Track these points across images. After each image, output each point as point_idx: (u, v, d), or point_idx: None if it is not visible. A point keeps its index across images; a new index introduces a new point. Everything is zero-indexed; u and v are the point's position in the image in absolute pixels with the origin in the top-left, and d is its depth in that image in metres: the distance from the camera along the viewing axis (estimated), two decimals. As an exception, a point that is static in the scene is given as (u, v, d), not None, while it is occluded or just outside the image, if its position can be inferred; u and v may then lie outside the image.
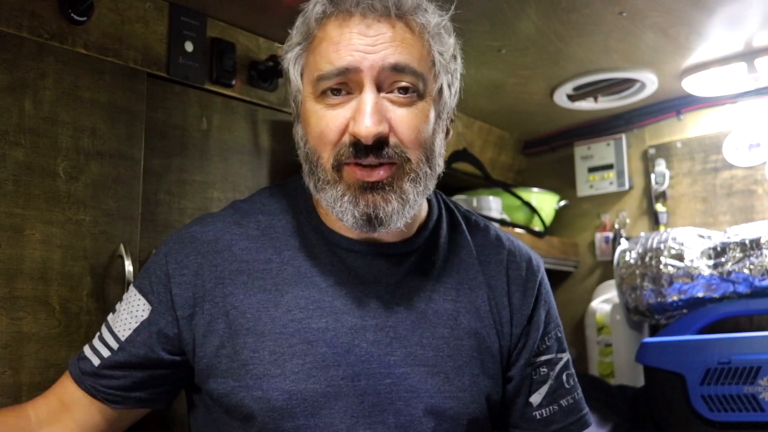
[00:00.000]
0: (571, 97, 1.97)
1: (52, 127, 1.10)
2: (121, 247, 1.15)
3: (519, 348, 1.00)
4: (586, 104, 2.00)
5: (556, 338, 1.04)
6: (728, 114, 2.00)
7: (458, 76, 0.98)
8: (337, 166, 0.88)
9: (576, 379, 1.04)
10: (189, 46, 1.31)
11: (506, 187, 2.12)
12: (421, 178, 0.91)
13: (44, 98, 1.10)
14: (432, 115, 0.91)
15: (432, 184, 0.95)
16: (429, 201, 1.04)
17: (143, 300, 0.95)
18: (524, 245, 1.09)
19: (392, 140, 0.87)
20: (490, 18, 1.46)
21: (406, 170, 0.89)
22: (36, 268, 1.06)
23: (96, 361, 0.95)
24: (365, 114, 0.85)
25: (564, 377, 1.02)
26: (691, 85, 1.86)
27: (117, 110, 1.19)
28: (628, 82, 1.90)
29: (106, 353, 0.95)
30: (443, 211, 1.05)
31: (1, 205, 1.03)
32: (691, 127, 2.08)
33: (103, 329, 0.98)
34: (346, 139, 0.87)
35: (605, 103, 2.02)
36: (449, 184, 2.15)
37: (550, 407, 0.99)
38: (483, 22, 1.48)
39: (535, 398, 0.99)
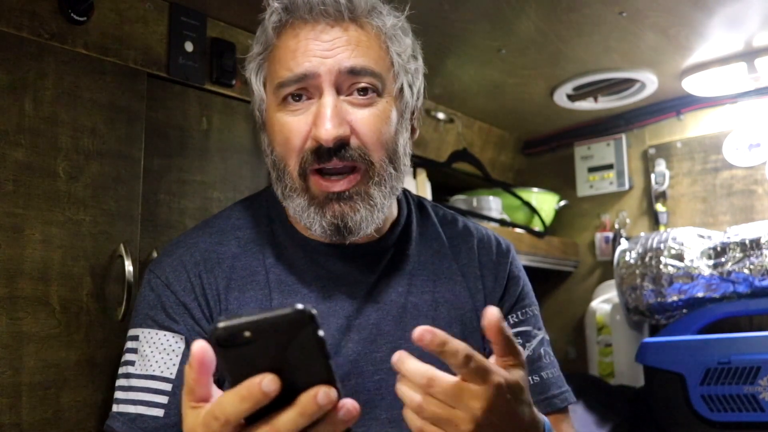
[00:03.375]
0: (571, 97, 1.97)
1: (52, 127, 1.10)
2: (121, 247, 1.15)
3: None
4: (586, 104, 2.00)
5: (533, 314, 1.05)
6: (728, 114, 2.00)
7: (419, 75, 0.99)
8: (303, 174, 0.89)
9: (555, 360, 1.04)
10: (189, 46, 1.31)
11: (506, 187, 2.12)
12: (386, 180, 0.91)
13: (44, 98, 1.10)
14: (394, 115, 0.92)
15: (399, 184, 0.95)
16: (398, 198, 1.04)
17: (170, 333, 0.90)
18: (492, 231, 1.11)
19: (354, 142, 0.88)
20: (490, 18, 1.46)
21: (371, 174, 0.90)
22: (36, 268, 1.06)
23: (158, 412, 0.87)
24: (325, 118, 0.86)
25: (542, 351, 1.02)
26: (691, 85, 1.86)
27: (117, 110, 1.19)
28: (628, 82, 1.90)
29: (163, 399, 0.87)
30: (413, 207, 1.06)
31: (1, 205, 1.03)
32: (691, 127, 2.08)
33: (136, 382, 0.89)
34: (309, 144, 0.88)
35: (605, 103, 2.02)
36: (449, 184, 2.15)
37: (529, 378, 0.98)
38: (483, 22, 1.48)
39: None
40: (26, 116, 1.07)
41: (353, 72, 0.88)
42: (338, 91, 0.88)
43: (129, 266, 1.14)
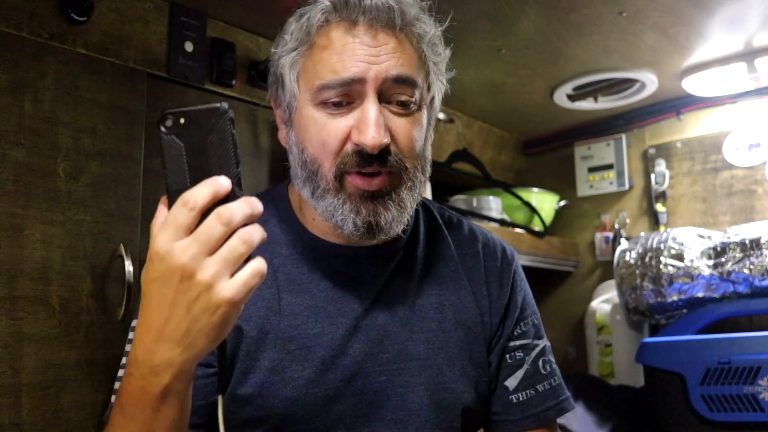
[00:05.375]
0: (571, 97, 1.97)
1: (52, 127, 1.10)
2: (121, 247, 1.15)
3: (498, 336, 1.02)
4: (586, 104, 2.00)
5: (533, 324, 1.05)
6: (728, 114, 2.00)
7: (445, 82, 0.99)
8: (339, 175, 0.89)
9: (554, 367, 1.05)
10: (189, 46, 1.31)
11: (506, 187, 2.12)
12: (416, 186, 0.92)
13: (44, 98, 1.10)
14: (425, 123, 0.94)
15: (424, 190, 0.97)
16: None
17: None
18: (497, 237, 1.11)
19: (393, 149, 0.88)
20: (490, 18, 1.46)
21: (404, 179, 0.91)
22: (36, 268, 1.06)
23: None
24: (370, 124, 0.85)
25: (540, 363, 1.03)
26: (691, 85, 1.86)
27: (117, 110, 1.19)
28: (628, 82, 1.90)
29: None
30: (420, 209, 1.06)
31: (1, 205, 1.03)
32: (691, 127, 2.08)
33: None
34: (349, 148, 0.87)
35: (605, 103, 2.02)
36: (449, 184, 2.15)
37: (527, 392, 1.00)
38: (483, 22, 1.48)
39: (511, 382, 1.01)
40: (26, 116, 1.07)
41: (398, 80, 0.87)
42: (379, 98, 0.88)
43: (129, 266, 1.14)
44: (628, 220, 2.18)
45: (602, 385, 1.90)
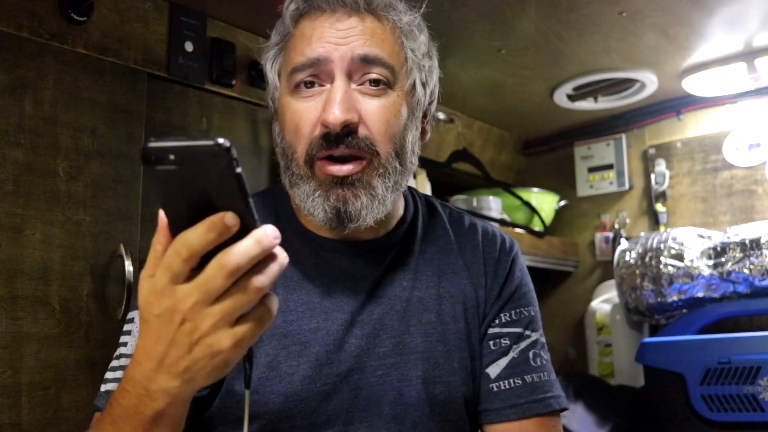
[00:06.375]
0: (571, 97, 1.97)
1: (52, 127, 1.10)
2: (121, 247, 1.15)
3: (487, 322, 1.01)
4: (586, 104, 2.00)
5: (527, 315, 1.03)
6: (728, 114, 2.00)
7: (434, 75, 1.00)
8: (310, 161, 0.89)
9: (548, 364, 1.01)
10: (189, 46, 1.31)
11: (506, 187, 2.12)
12: (390, 174, 0.91)
13: (44, 98, 1.10)
14: (404, 110, 0.93)
15: (404, 180, 0.95)
16: (404, 197, 1.05)
17: None
18: (498, 229, 1.11)
19: (362, 131, 0.88)
20: (490, 18, 1.46)
21: (375, 165, 0.90)
22: (36, 268, 1.06)
23: None
24: (334, 102, 0.86)
25: (530, 354, 0.99)
26: (691, 85, 1.86)
27: (117, 110, 1.19)
28: (628, 82, 1.90)
29: None
30: (419, 204, 1.07)
31: (1, 205, 1.03)
32: (691, 127, 2.08)
33: (125, 362, 0.88)
34: (318, 131, 0.88)
35: (605, 103, 2.02)
36: (449, 184, 2.15)
37: (510, 380, 0.97)
38: (483, 22, 1.48)
39: (493, 369, 0.98)
40: (26, 116, 1.07)
41: (366, 60, 0.88)
42: (350, 79, 0.89)
43: (129, 266, 1.14)
44: (628, 220, 2.18)
45: (602, 385, 1.90)
